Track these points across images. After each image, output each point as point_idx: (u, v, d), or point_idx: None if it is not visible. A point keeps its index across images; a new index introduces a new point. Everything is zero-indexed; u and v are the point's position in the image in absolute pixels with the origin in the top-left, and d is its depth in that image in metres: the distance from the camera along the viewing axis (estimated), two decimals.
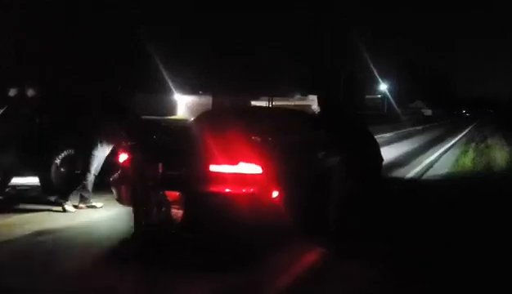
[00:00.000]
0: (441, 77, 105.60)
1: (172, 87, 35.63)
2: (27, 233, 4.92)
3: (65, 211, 5.74)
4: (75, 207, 5.86)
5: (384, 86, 65.74)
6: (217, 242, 4.46)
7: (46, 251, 4.46)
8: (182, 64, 34.77)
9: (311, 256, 4.38)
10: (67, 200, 5.82)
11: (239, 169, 4.41)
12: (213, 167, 4.45)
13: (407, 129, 28.68)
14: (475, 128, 32.97)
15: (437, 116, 70.83)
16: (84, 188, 5.90)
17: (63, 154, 6.67)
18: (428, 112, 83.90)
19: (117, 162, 5.16)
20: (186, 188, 4.45)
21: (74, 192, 5.95)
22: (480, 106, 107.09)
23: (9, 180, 6.31)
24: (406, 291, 3.77)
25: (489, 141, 17.97)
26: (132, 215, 4.60)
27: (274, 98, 38.60)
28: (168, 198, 4.52)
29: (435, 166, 11.24)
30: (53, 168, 6.60)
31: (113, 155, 5.52)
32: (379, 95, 69.42)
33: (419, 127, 32.20)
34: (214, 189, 4.39)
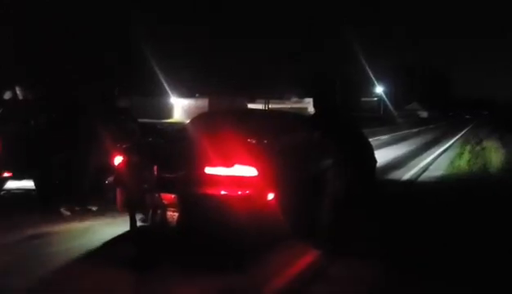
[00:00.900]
0: (437, 79, 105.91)
1: (168, 90, 35.64)
2: (19, 237, 4.89)
3: (60, 214, 5.72)
4: (71, 210, 5.84)
5: (380, 89, 65.87)
6: (213, 244, 4.45)
7: (39, 254, 4.44)
8: (179, 66, 34.78)
9: (305, 258, 4.38)
10: (63, 203, 5.80)
11: (234, 171, 4.41)
12: (209, 170, 4.45)
13: (403, 132, 28.74)
14: (471, 130, 33.10)
15: (433, 118, 71.02)
16: (80, 191, 5.88)
17: (58, 157, 6.62)
18: (424, 114, 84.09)
19: (112, 165, 5.15)
20: (182, 190, 4.45)
21: (70, 195, 5.92)
22: (476, 108, 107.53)
23: (3, 184, 6.29)
24: (400, 291, 3.78)
25: (485, 143, 18.04)
26: (128, 217, 4.60)
27: (270, 100, 38.67)
28: (164, 201, 4.51)
29: (431, 168, 11.27)
30: (48, 171, 6.55)
31: (108, 158, 5.49)
32: (376, 98, 69.53)
33: (415, 130, 32.30)
34: (210, 191, 4.39)
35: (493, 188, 8.23)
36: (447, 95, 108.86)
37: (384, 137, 21.85)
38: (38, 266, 4.11)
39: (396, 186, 8.57)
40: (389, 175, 9.65)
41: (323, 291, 3.76)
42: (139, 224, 4.59)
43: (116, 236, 4.85)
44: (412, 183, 9.03)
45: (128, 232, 4.54)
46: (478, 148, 16.42)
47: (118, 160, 5.05)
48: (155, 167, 4.52)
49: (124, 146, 5.16)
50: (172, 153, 4.83)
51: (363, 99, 69.42)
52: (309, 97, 49.03)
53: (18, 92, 7.41)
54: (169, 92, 35.95)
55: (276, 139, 5.13)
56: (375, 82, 63.49)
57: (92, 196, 6.07)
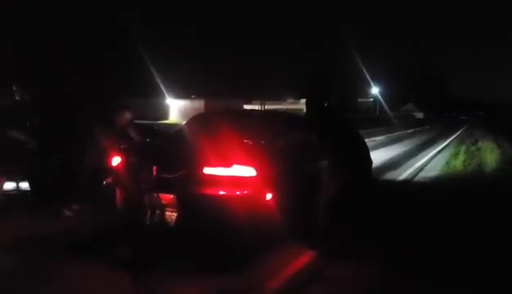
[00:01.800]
0: (432, 80, 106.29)
1: (164, 91, 35.61)
2: (18, 237, 4.88)
3: (57, 214, 5.69)
4: (70, 210, 5.81)
5: (375, 90, 66.08)
6: (211, 244, 4.43)
7: (37, 255, 4.42)
8: (175, 67, 34.75)
9: (302, 258, 4.41)
10: (63, 204, 5.77)
11: (233, 171, 4.43)
12: (207, 170, 4.47)
13: (399, 132, 28.83)
14: (466, 131, 33.27)
15: (428, 119, 71.29)
16: (77, 191, 5.86)
17: (54, 158, 6.59)
18: (420, 115, 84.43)
19: (110, 166, 5.14)
20: (181, 190, 4.46)
21: (67, 196, 5.91)
22: (471, 109, 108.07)
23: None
24: (396, 291, 3.81)
25: (480, 144, 18.15)
26: (126, 218, 4.60)
27: (266, 102, 38.69)
28: (163, 201, 4.51)
29: (426, 168, 11.32)
30: (45, 172, 6.52)
31: (105, 158, 5.48)
32: (371, 99, 69.73)
33: (411, 130, 32.42)
34: (208, 191, 4.41)
35: (488, 188, 8.27)
36: (443, 96, 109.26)
37: (380, 138, 21.91)
38: (38, 267, 4.11)
39: (392, 186, 8.61)
40: (385, 176, 9.69)
41: (320, 291, 3.78)
42: (137, 224, 4.59)
43: (114, 236, 4.84)
44: (408, 183, 9.07)
45: (126, 232, 4.53)
46: (473, 148, 16.52)
47: (116, 161, 5.06)
48: (154, 168, 4.53)
49: (123, 146, 5.16)
50: (170, 154, 4.84)
51: (359, 99, 69.64)
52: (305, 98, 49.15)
53: (14, 92, 7.40)
54: (165, 93, 35.94)
55: (273, 139, 5.14)
56: (371, 82, 63.71)
57: (89, 196, 6.05)
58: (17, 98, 7.50)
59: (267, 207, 4.48)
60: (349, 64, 58.47)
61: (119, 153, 5.08)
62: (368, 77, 60.32)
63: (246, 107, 35.25)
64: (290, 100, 47.54)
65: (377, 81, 64.97)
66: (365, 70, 57.14)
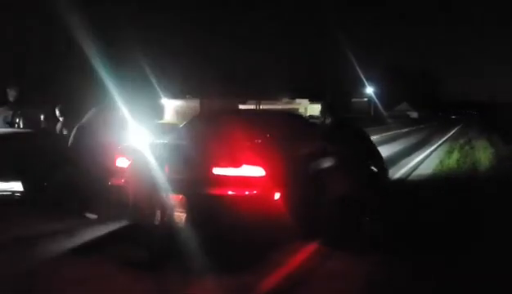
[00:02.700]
0: (427, 79, 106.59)
1: (159, 91, 35.47)
2: (18, 238, 4.87)
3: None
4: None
5: (370, 89, 66.21)
6: (220, 243, 4.46)
7: (40, 257, 4.41)
8: (169, 67, 34.68)
9: (309, 256, 4.50)
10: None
11: (242, 172, 4.45)
12: (217, 170, 4.49)
13: (393, 132, 28.93)
14: (460, 130, 33.44)
15: (423, 118, 71.54)
16: (78, 192, 5.78)
17: (51, 159, 6.53)
18: (414, 114, 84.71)
19: (115, 166, 5.09)
20: (190, 190, 4.47)
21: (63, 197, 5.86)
22: (465, 108, 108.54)
23: None
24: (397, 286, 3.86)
25: (473, 143, 18.26)
26: (135, 218, 4.58)
27: (261, 101, 38.67)
28: (172, 201, 4.51)
29: (421, 167, 11.39)
30: (37, 173, 6.44)
31: (106, 159, 5.42)
32: (366, 98, 69.87)
33: (405, 130, 32.54)
34: (217, 191, 4.43)
35: (482, 185, 8.40)
36: (437, 96, 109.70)
37: (374, 137, 21.92)
38: (49, 268, 4.13)
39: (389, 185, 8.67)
40: None
41: (325, 287, 3.85)
42: (146, 225, 4.56)
43: (122, 236, 4.83)
44: (403, 181, 9.13)
45: (135, 232, 4.52)
46: (467, 147, 16.61)
47: (122, 161, 5.02)
48: (163, 168, 4.53)
49: (131, 147, 5.13)
50: (179, 154, 4.84)
51: (353, 99, 69.73)
52: (300, 98, 49.24)
53: (8, 94, 7.39)
54: (160, 93, 35.80)
55: (282, 139, 5.20)
56: (365, 82, 63.82)
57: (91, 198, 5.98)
58: (10, 99, 7.50)
59: (275, 206, 4.50)
60: (343, 63, 58.58)
61: (123, 153, 5.04)
62: (362, 77, 60.42)
63: (241, 107, 35.24)
64: (285, 100, 47.55)
65: (371, 80, 65.13)
66: (359, 70, 57.23)
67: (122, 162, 5.01)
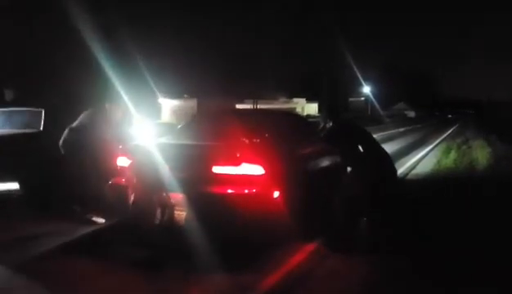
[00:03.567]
0: (424, 79, 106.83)
1: (156, 91, 35.39)
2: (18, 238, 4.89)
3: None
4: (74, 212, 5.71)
5: (367, 89, 66.29)
6: (220, 242, 4.46)
7: (51, 254, 4.47)
8: (166, 66, 34.62)
9: (308, 255, 4.53)
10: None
11: (241, 170, 4.49)
12: (216, 169, 4.53)
13: (391, 131, 28.96)
14: (457, 129, 33.50)
15: (420, 117, 71.68)
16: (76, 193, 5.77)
17: (49, 158, 6.47)
18: (411, 113, 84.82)
19: (116, 166, 5.11)
20: (190, 189, 4.50)
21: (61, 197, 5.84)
22: (462, 107, 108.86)
23: None
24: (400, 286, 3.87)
25: (471, 142, 18.30)
26: (135, 217, 4.60)
27: (258, 101, 38.65)
28: (172, 200, 4.55)
29: (418, 166, 11.42)
30: (35, 173, 6.41)
31: (105, 158, 5.40)
32: (363, 98, 69.96)
33: (402, 129, 32.59)
34: (217, 189, 4.47)
35: (479, 185, 8.44)
36: (434, 95, 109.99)
37: None
38: (48, 266, 4.14)
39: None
40: None
41: (326, 286, 3.86)
42: (146, 224, 4.58)
43: (122, 236, 4.85)
44: (402, 180, 9.17)
45: (134, 231, 4.54)
46: (464, 147, 16.65)
47: (122, 161, 5.03)
48: (163, 167, 4.56)
49: (131, 146, 5.13)
50: (179, 153, 4.88)
51: (350, 99, 69.84)
52: (297, 97, 49.29)
53: (6, 93, 7.37)
54: (157, 93, 35.73)
55: (281, 138, 5.25)
56: (363, 81, 63.90)
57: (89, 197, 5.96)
58: (7, 100, 7.45)
59: (274, 204, 4.53)
60: (341, 63, 58.63)
61: (125, 152, 5.06)
62: (359, 77, 60.50)
63: (238, 106, 35.22)
64: (283, 100, 47.59)
65: (369, 80, 65.21)
66: (356, 69, 57.31)
67: (122, 162, 5.03)
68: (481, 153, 13.72)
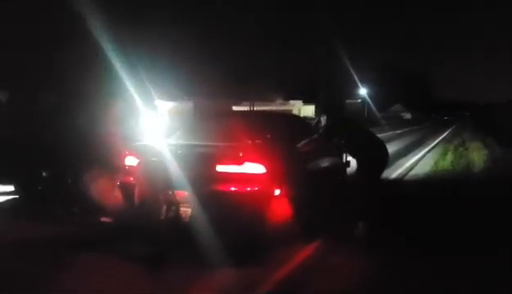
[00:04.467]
0: (420, 81, 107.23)
1: (152, 93, 35.35)
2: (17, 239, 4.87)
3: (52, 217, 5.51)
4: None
5: (363, 91, 66.45)
6: (223, 238, 4.49)
7: (58, 253, 4.48)
8: (163, 68, 34.59)
9: (311, 251, 4.63)
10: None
11: (244, 169, 4.63)
12: (220, 167, 4.67)
13: (387, 133, 29.02)
14: (454, 131, 33.63)
15: (416, 119, 71.95)
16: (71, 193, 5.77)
17: (46, 159, 6.45)
18: (408, 115, 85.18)
19: (123, 165, 5.20)
20: (194, 187, 4.62)
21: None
22: (458, 109, 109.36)
23: None
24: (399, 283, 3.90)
25: (467, 144, 18.37)
26: (142, 214, 4.67)
27: (256, 103, 38.71)
28: (177, 198, 4.68)
29: (416, 167, 11.47)
30: (33, 176, 6.38)
31: (107, 158, 5.45)
32: (360, 100, 70.11)
33: (399, 131, 32.68)
34: (221, 187, 4.61)
35: (475, 186, 8.51)
36: (431, 97, 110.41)
37: None
38: (52, 264, 4.16)
39: (384, 185, 8.70)
40: None
41: (326, 281, 3.93)
42: (152, 221, 4.66)
43: (126, 232, 4.85)
44: (400, 181, 9.21)
45: (141, 228, 4.57)
46: (461, 149, 16.71)
47: (130, 160, 5.15)
48: (169, 166, 4.71)
49: (138, 146, 5.25)
50: (184, 153, 5.00)
51: (347, 101, 69.96)
52: (294, 99, 49.40)
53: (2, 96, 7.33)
54: (153, 95, 35.69)
55: (282, 138, 5.40)
56: (359, 84, 64.06)
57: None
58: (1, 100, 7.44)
59: (275, 202, 4.66)
60: (337, 65, 58.74)
61: (131, 151, 5.19)
62: (356, 79, 60.65)
63: (235, 108, 35.28)
64: (279, 102, 47.72)
65: (365, 82, 65.37)
66: (353, 71, 57.47)
67: (130, 161, 5.16)
68: (477, 156, 13.77)
